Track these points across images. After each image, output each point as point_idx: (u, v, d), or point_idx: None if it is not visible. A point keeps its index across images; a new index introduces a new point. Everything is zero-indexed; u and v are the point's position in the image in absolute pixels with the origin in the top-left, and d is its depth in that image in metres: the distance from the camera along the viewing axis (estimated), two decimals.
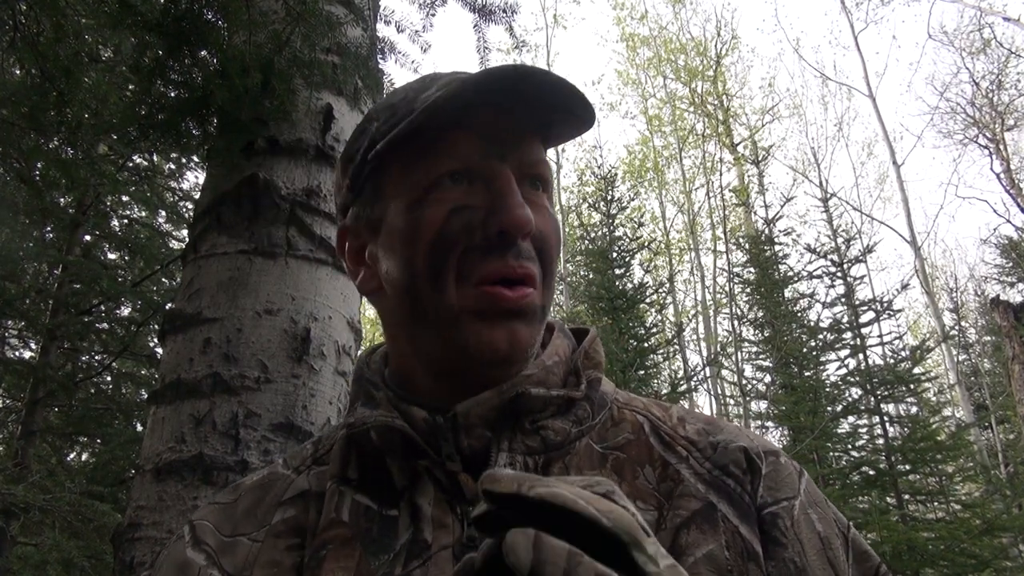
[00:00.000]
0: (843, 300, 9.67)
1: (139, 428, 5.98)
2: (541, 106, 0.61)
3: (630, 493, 0.60)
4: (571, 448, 0.63)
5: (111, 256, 6.92)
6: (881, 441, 8.52)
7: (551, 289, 0.64)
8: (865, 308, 9.36)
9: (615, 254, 10.56)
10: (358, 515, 0.61)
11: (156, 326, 5.59)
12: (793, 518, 0.61)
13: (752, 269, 11.57)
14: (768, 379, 10.76)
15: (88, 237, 6.41)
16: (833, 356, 9.65)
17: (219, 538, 0.64)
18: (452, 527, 0.58)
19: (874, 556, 0.63)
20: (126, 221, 6.91)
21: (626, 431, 0.65)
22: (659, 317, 12.51)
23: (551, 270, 0.63)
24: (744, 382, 11.24)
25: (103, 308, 6.17)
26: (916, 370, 9.16)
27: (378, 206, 0.65)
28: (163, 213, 6.93)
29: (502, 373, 0.61)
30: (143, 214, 6.99)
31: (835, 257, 9.92)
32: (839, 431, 8.90)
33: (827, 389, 9.24)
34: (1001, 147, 15.90)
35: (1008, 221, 15.65)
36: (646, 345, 9.70)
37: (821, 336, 9.77)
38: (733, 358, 12.02)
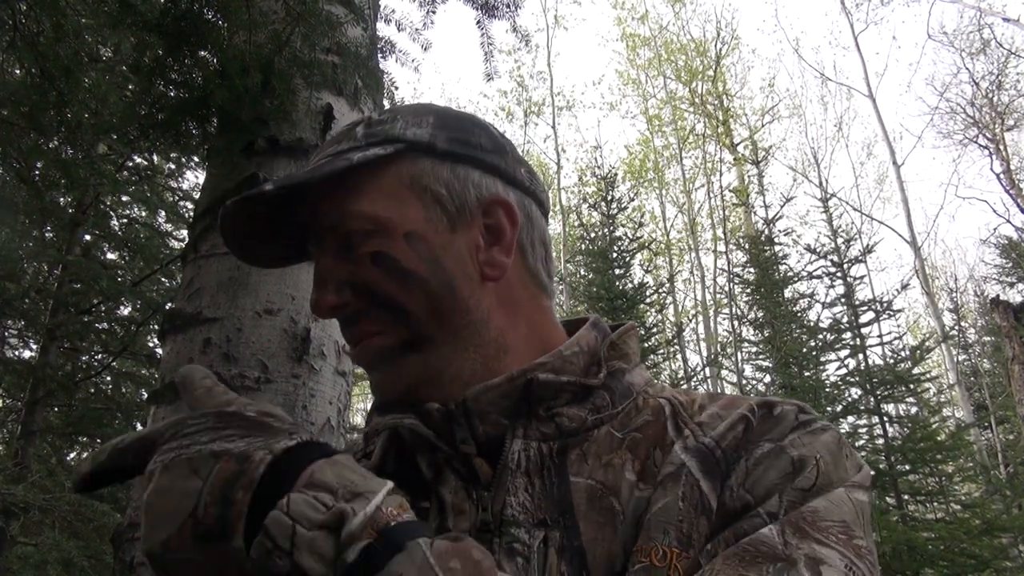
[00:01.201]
0: (843, 300, 9.67)
1: (139, 428, 5.97)
2: (315, 181, 0.63)
3: (640, 471, 0.61)
4: (588, 435, 0.63)
5: (111, 256, 6.93)
6: (881, 441, 8.53)
7: (417, 315, 0.63)
8: (865, 308, 9.37)
9: (615, 254, 10.56)
10: None
11: (156, 326, 5.58)
12: (752, 456, 0.58)
13: (752, 269, 11.56)
14: (768, 379, 10.76)
15: (88, 237, 6.41)
16: (833, 356, 9.65)
17: None
18: (469, 512, 0.60)
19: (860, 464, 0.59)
20: (126, 221, 6.91)
21: (647, 415, 0.66)
22: (659, 317, 12.52)
23: (398, 304, 0.63)
24: (744, 382, 11.24)
25: (103, 308, 6.17)
26: (916, 370, 9.16)
27: None
28: (163, 213, 6.94)
29: (416, 400, 0.64)
30: (143, 214, 6.99)
31: (835, 257, 9.93)
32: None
33: (827, 389, 9.24)
34: (1001, 147, 15.91)
35: (1008, 221, 15.68)
36: (646, 345, 9.71)
37: (821, 336, 9.77)
38: (733, 358, 12.03)
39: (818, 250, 10.15)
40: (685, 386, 10.76)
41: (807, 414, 0.62)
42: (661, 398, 0.67)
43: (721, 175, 18.17)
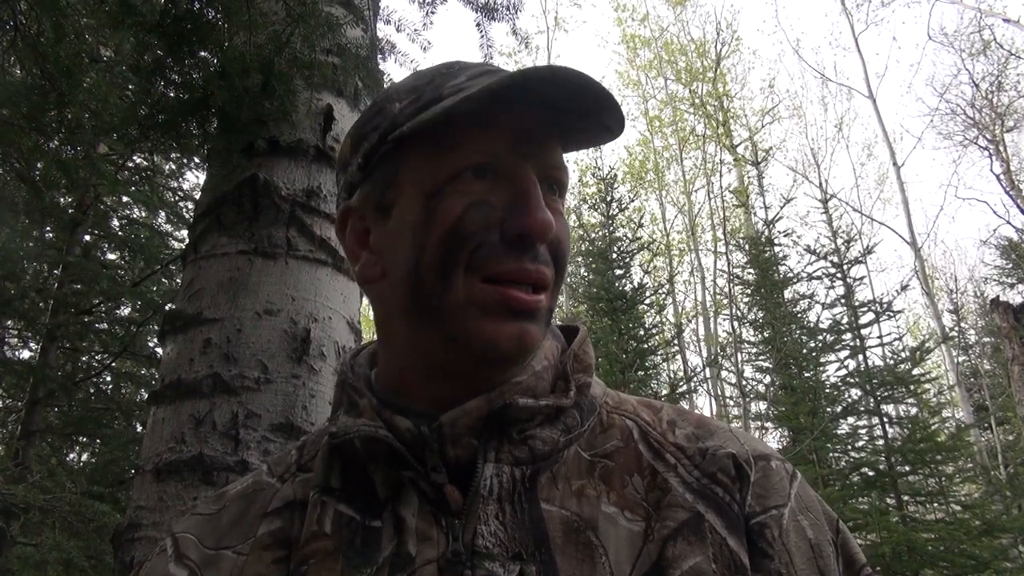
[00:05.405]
0: (843, 301, 9.67)
1: (139, 428, 5.98)
2: (572, 110, 0.60)
3: (618, 503, 0.59)
4: (559, 457, 0.61)
5: (111, 256, 6.92)
6: (881, 442, 8.52)
7: (558, 294, 0.64)
8: (865, 309, 9.37)
9: (615, 255, 10.56)
10: (340, 526, 0.60)
11: (156, 326, 5.58)
12: (782, 527, 0.59)
13: (752, 270, 11.57)
14: (768, 380, 10.76)
15: (88, 237, 6.41)
16: (833, 357, 9.66)
17: (202, 551, 0.63)
18: (437, 540, 0.57)
19: (860, 558, 0.62)
20: (126, 221, 6.92)
21: (615, 437, 0.64)
22: (659, 318, 12.51)
23: (563, 275, 0.63)
24: (744, 383, 11.23)
25: (103, 308, 6.17)
26: (916, 371, 9.16)
27: (390, 191, 0.63)
28: (163, 213, 6.93)
29: (500, 373, 0.60)
30: (143, 214, 7.00)
31: (835, 258, 9.93)
32: (839, 432, 8.91)
33: (827, 390, 9.25)
34: (1001, 148, 15.92)
35: (1008, 222, 15.69)
36: (646, 346, 9.71)
37: (821, 337, 9.78)
38: (733, 359, 12.02)
39: (818, 251, 10.16)
40: (684, 387, 10.74)
41: (784, 461, 0.65)
42: (625, 417, 0.66)
43: (721, 176, 18.18)
